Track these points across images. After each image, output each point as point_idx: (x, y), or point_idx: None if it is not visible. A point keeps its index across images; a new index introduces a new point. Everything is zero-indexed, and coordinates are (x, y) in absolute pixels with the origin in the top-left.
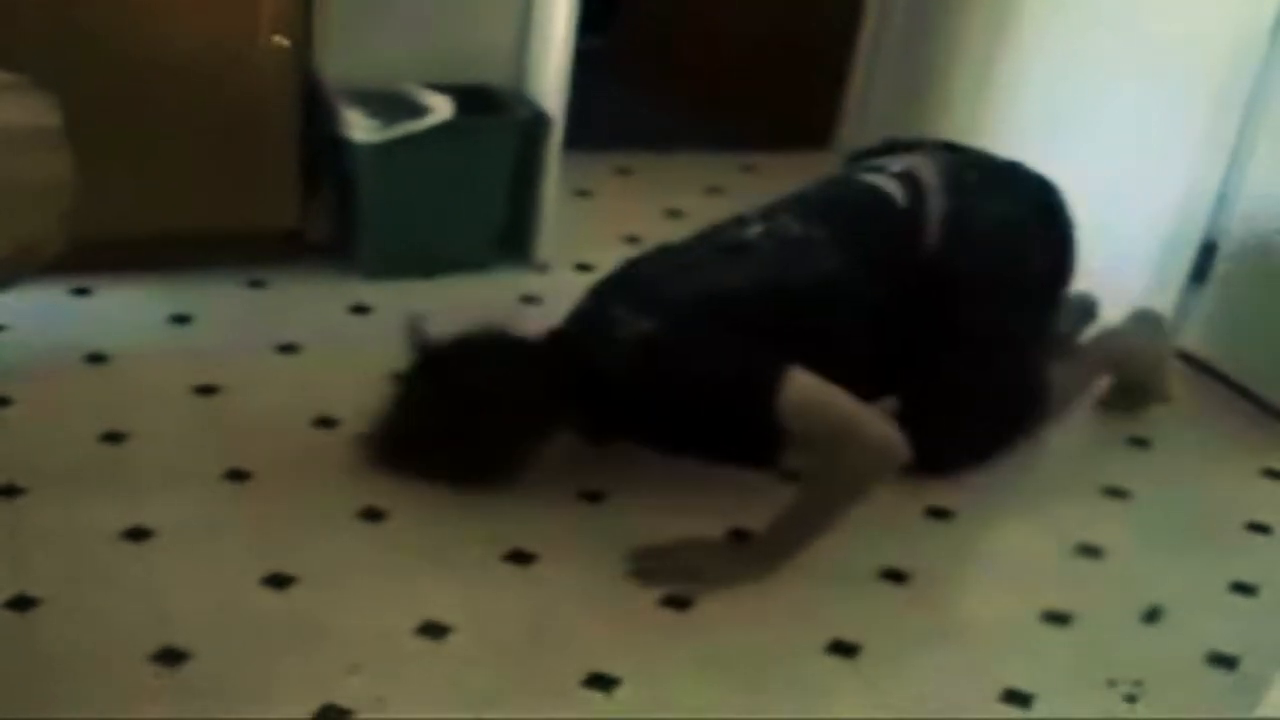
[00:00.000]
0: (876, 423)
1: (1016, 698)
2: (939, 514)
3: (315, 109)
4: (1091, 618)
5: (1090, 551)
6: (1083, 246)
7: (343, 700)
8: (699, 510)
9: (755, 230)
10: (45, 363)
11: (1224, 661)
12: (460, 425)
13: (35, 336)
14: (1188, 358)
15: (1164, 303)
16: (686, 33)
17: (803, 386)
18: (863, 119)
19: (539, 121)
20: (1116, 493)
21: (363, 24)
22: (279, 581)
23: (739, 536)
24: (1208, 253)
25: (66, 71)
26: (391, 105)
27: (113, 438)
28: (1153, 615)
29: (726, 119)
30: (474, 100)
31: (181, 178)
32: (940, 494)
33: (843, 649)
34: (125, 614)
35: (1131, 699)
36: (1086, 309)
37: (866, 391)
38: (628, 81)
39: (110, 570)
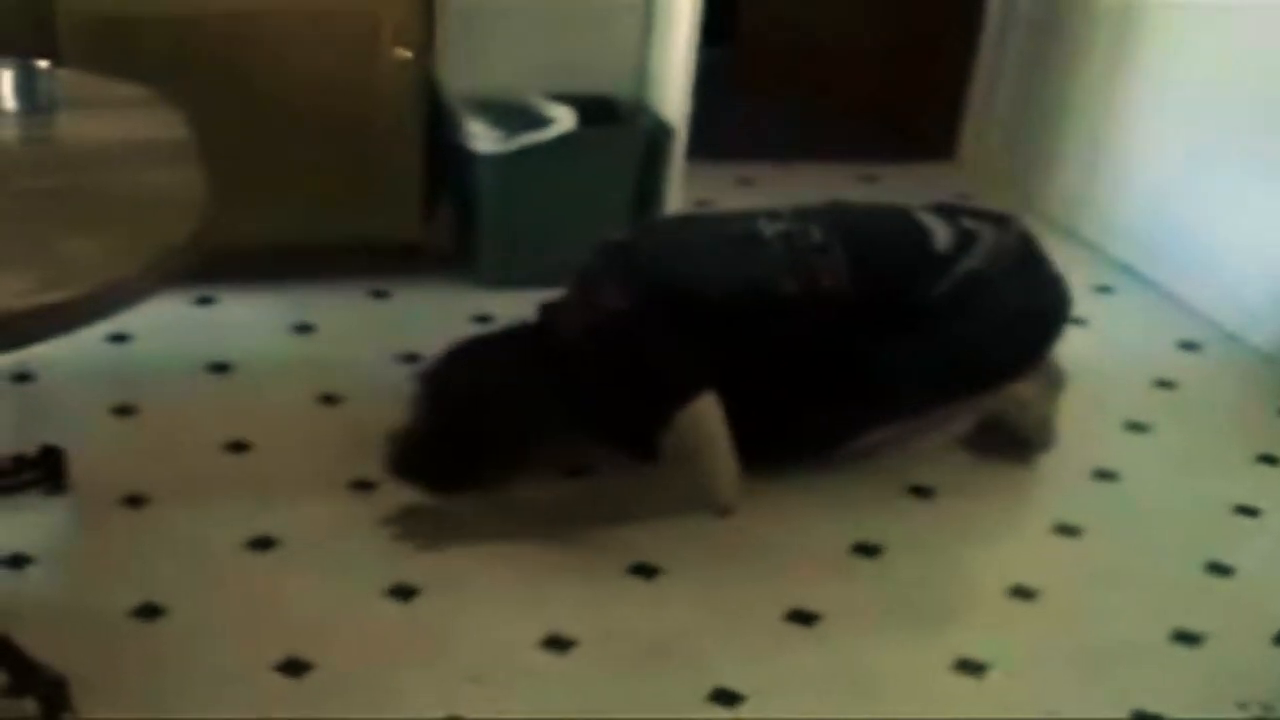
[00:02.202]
0: (725, 473)
1: (1146, 719)
2: (1066, 530)
3: (437, 120)
4: (1221, 638)
5: (1222, 570)
6: (1207, 277)
7: (465, 711)
8: (827, 525)
9: (776, 228)
10: (169, 372)
11: None
12: (461, 428)
13: (160, 346)
14: None
15: None
16: (808, 43)
17: (700, 414)
18: (985, 131)
19: (661, 132)
20: (1247, 511)
21: (484, 35)
22: (403, 592)
23: (863, 551)
24: None
25: (192, 85)
26: (514, 116)
27: (236, 447)
28: None
29: (849, 130)
30: (596, 111)
31: (304, 189)
32: (1067, 510)
33: (971, 667)
34: (249, 623)
35: None
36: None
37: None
38: (749, 92)
39: (235, 579)
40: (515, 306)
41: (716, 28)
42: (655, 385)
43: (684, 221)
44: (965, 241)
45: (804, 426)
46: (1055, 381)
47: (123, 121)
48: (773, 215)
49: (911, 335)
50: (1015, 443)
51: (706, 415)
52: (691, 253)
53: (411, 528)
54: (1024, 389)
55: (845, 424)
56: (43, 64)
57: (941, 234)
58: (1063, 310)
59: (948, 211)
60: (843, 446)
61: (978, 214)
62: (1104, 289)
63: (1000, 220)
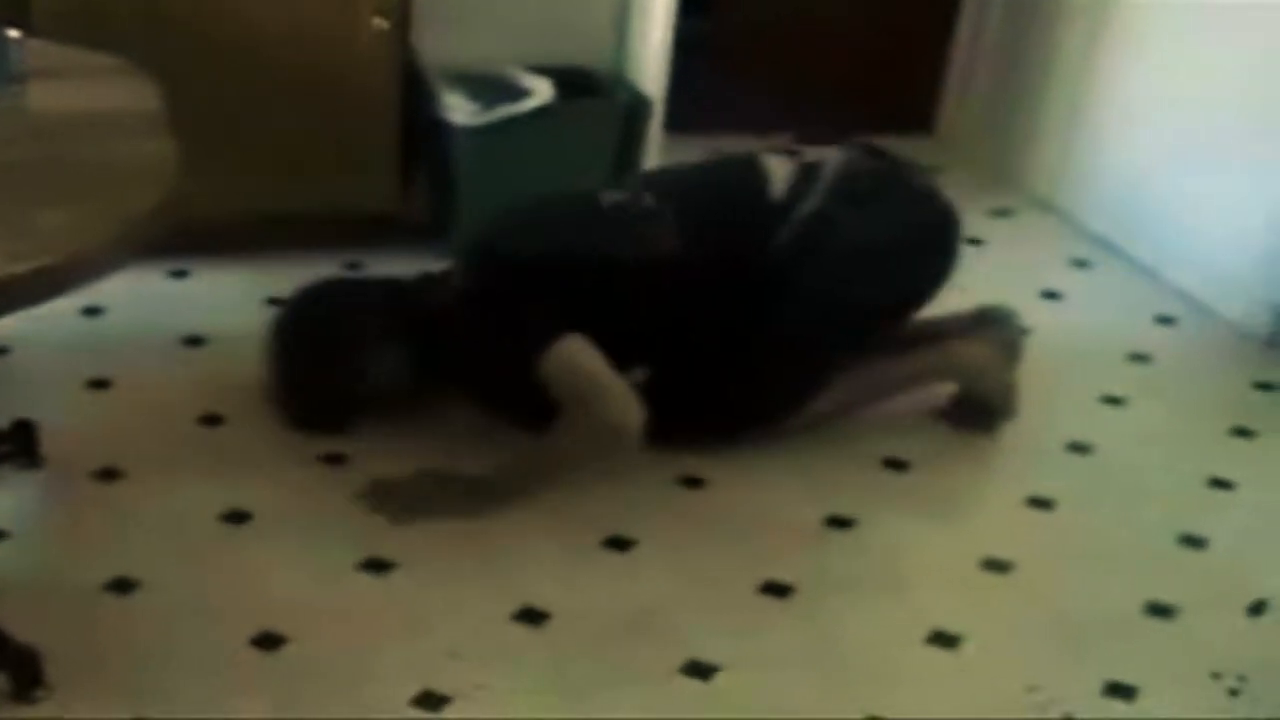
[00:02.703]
0: (620, 403)
1: (1121, 690)
2: (1040, 503)
3: (414, 92)
4: (1196, 610)
5: (1196, 543)
6: (1183, 251)
7: (440, 685)
8: (798, 494)
9: (613, 198)
10: (143, 345)
11: None
12: (297, 356)
13: (133, 319)
14: None
15: (1260, 319)
16: (787, 15)
17: (568, 353)
18: (963, 104)
19: (639, 104)
20: (1221, 484)
21: (462, 6)
22: (378, 566)
23: (836, 523)
24: None
25: (166, 56)
26: (491, 88)
27: (211, 420)
28: (1258, 608)
29: (828, 102)
30: (574, 83)
31: (280, 161)
32: (1040, 483)
33: (945, 639)
34: (224, 597)
35: (1235, 693)
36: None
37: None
38: (728, 64)
39: (209, 553)
40: None
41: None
42: (514, 342)
43: (540, 201)
44: (805, 178)
45: (718, 400)
46: (1010, 347)
47: (94, 92)
48: (616, 185)
49: (772, 292)
50: (981, 413)
51: (575, 352)
52: (530, 229)
53: (385, 501)
54: (976, 355)
55: (762, 393)
56: (13, 34)
57: (780, 178)
58: (936, 229)
59: (794, 151)
60: (779, 418)
61: (826, 139)
62: (1081, 263)
63: (851, 145)
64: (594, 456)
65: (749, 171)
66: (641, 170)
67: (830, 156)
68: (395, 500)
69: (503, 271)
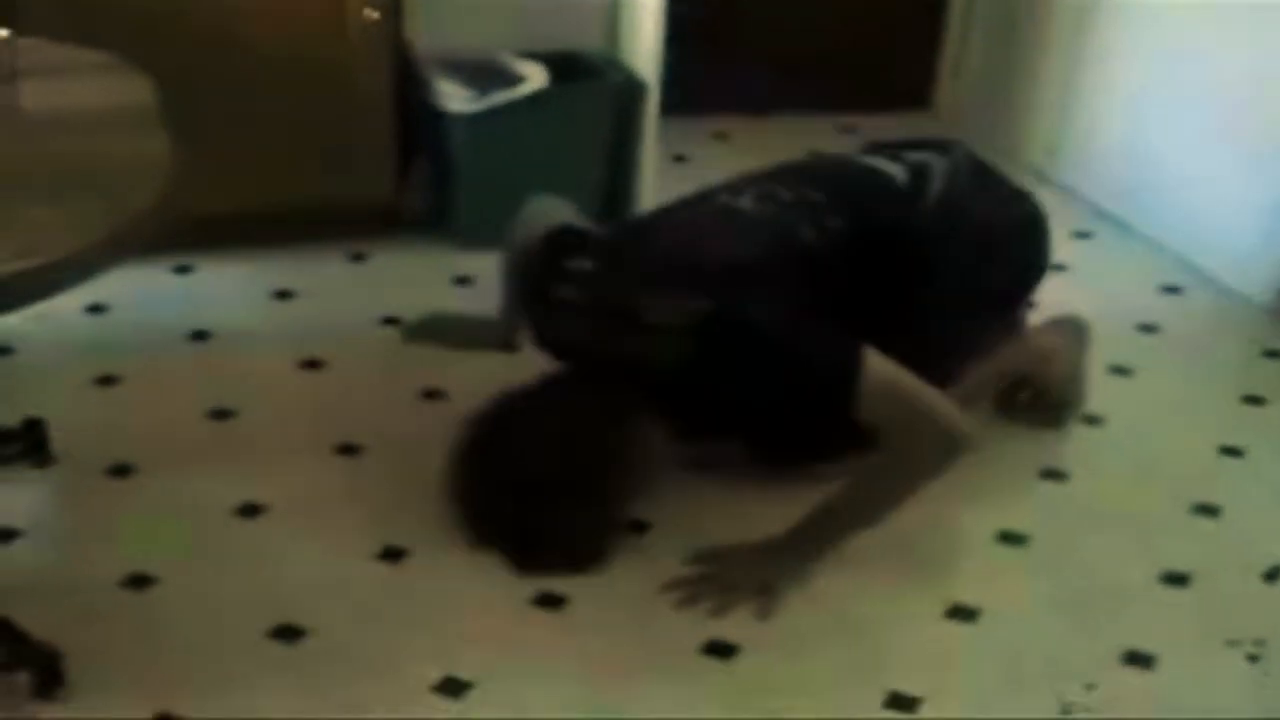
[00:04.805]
0: (950, 411)
1: (1140, 659)
2: (1053, 475)
3: (409, 81)
4: (1211, 577)
5: (1209, 511)
6: (1186, 221)
7: (461, 672)
8: (810, 473)
9: (746, 198)
10: (150, 342)
11: None
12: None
13: (139, 316)
14: None
15: (1267, 287)
16: None
17: (880, 369)
18: (959, 78)
19: (634, 87)
20: (1233, 452)
21: None
22: (392, 554)
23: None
24: None
25: (160, 51)
26: (485, 75)
27: (220, 414)
28: (1274, 574)
29: (824, 81)
30: (567, 68)
31: (278, 154)
32: (1053, 455)
33: (964, 613)
34: (241, 591)
35: (1254, 658)
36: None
37: None
38: (721, 45)
39: (224, 547)
40: (494, 267)
41: None
42: (820, 369)
43: (650, 220)
44: (920, 173)
45: None
46: (1079, 333)
47: (87, 89)
48: (732, 190)
49: (917, 272)
50: (1046, 406)
51: (882, 366)
52: (701, 237)
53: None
54: (1051, 342)
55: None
56: (3, 33)
57: (896, 172)
58: (1041, 216)
59: (887, 150)
60: None
61: (917, 145)
62: (1083, 234)
63: (939, 146)
64: (934, 474)
65: (858, 166)
66: (739, 175)
67: (930, 156)
68: (703, 589)
69: (743, 288)
